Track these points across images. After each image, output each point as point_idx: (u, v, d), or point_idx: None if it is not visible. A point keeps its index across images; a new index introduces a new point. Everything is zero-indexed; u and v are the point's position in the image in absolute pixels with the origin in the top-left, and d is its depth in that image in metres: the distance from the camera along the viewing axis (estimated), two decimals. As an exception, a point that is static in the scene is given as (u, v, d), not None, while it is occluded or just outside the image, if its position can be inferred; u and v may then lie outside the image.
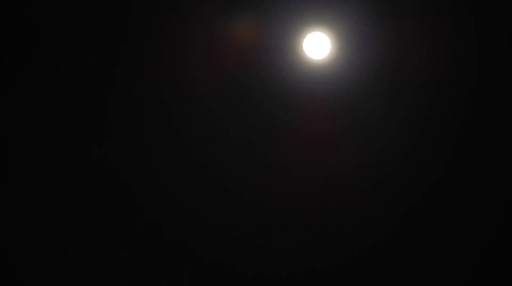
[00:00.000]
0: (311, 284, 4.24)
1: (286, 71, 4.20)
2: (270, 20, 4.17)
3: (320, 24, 4.18)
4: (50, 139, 4.19)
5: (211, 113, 4.25)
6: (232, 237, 4.25)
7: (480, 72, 4.18)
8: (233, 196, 4.27)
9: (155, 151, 4.28)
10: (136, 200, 4.25)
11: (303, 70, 4.21)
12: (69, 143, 4.20)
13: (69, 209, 4.20)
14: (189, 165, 4.28)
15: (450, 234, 4.27)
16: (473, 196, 4.27)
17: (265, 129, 4.25)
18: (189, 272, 4.22)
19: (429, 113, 4.22)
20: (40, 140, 4.19)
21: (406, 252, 4.27)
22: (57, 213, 4.20)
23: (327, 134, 4.23)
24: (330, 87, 4.20)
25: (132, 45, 4.22)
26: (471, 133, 4.22)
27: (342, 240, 4.27)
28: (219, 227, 4.26)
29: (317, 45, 4.19)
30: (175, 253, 4.23)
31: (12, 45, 4.14)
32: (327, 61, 4.20)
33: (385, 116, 4.22)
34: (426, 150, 4.25)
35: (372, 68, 4.17)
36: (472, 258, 4.24)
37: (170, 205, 4.28)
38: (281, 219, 4.29)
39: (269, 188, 4.28)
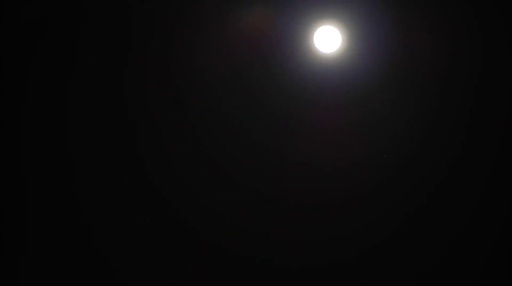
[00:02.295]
0: (320, 276, 4.26)
1: (296, 64, 4.20)
2: (281, 13, 4.17)
3: (331, 18, 4.17)
4: (63, 131, 4.19)
5: (220, 106, 4.24)
6: (241, 227, 4.26)
7: (492, 69, 4.19)
8: (239, 185, 4.27)
9: (165, 145, 4.27)
10: (142, 198, 4.26)
11: (313, 63, 4.21)
12: (78, 140, 4.21)
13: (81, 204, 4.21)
14: (198, 157, 4.28)
15: (455, 233, 4.28)
16: (478, 196, 4.29)
17: (274, 122, 4.25)
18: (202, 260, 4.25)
19: (439, 108, 4.22)
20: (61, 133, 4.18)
21: (410, 250, 4.28)
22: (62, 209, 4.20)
23: (336, 128, 4.23)
24: (340, 81, 4.20)
25: (140, 38, 4.21)
26: (480, 131, 4.24)
27: (348, 235, 4.27)
28: (228, 218, 4.27)
29: (328, 39, 4.18)
30: (190, 242, 4.25)
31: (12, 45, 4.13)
32: (337, 55, 4.20)
33: (395, 110, 4.23)
34: (436, 145, 4.26)
35: (382, 63, 4.17)
36: (476, 258, 4.26)
37: (181, 199, 4.29)
38: (287, 211, 4.29)
39: (276, 179, 4.28)
